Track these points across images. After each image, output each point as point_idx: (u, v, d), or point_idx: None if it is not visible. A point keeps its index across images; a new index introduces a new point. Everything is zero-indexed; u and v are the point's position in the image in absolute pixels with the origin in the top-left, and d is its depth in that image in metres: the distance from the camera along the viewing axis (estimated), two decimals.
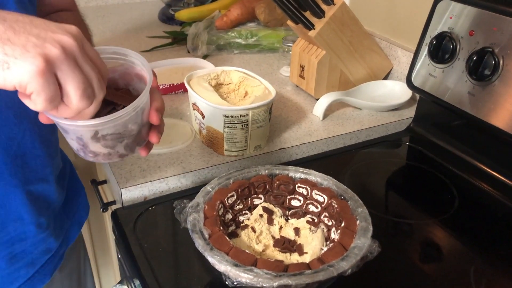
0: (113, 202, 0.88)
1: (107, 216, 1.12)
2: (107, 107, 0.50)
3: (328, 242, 0.61)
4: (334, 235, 0.60)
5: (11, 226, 0.63)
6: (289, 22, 0.99)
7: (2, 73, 0.38)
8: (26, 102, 0.41)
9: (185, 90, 0.99)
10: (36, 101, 0.40)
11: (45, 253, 0.70)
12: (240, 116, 0.76)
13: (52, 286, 0.75)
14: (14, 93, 0.41)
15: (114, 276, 1.28)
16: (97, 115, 0.47)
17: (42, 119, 0.48)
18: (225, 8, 1.42)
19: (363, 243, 0.55)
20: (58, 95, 0.41)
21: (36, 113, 0.47)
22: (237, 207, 0.65)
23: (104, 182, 0.94)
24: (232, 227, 0.64)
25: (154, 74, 0.52)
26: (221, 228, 0.58)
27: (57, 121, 0.47)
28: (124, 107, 0.48)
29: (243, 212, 0.66)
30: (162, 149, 0.81)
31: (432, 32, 0.85)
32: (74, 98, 0.41)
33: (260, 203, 0.67)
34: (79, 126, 0.47)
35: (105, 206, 0.87)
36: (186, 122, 0.90)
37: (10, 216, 0.62)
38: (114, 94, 0.51)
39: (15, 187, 0.61)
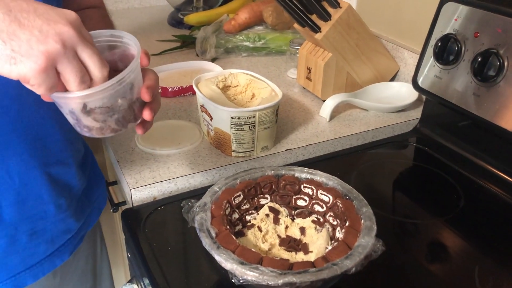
0: (124, 203, 0.90)
1: (117, 216, 1.14)
2: None
3: (333, 241, 0.62)
4: (339, 235, 0.61)
5: (32, 203, 0.67)
6: (296, 25, 1.00)
7: (9, 67, 0.43)
8: (28, 86, 0.46)
9: (194, 93, 1.00)
10: (37, 90, 0.45)
11: (65, 233, 0.74)
12: (247, 117, 0.77)
13: (68, 267, 0.79)
14: None
15: (124, 275, 1.30)
16: None
17: (45, 97, 0.53)
18: (233, 12, 1.43)
19: (367, 242, 0.56)
20: (56, 84, 0.46)
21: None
22: (244, 206, 0.66)
23: (115, 183, 0.96)
24: (239, 227, 0.65)
25: (146, 53, 0.55)
26: (228, 227, 0.59)
27: (50, 95, 0.50)
28: None
29: (250, 211, 0.67)
30: (171, 150, 0.83)
31: (438, 34, 0.85)
32: (73, 84, 0.47)
33: (267, 203, 0.68)
34: (66, 99, 0.50)
35: (115, 206, 0.89)
36: (194, 123, 0.92)
37: (30, 194, 0.66)
38: (113, 75, 0.53)
39: (35, 168, 0.65)
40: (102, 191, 0.87)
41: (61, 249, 0.74)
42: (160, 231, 0.69)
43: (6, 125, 0.61)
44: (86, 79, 0.47)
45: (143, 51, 0.54)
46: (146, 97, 0.54)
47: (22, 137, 0.63)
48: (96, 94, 0.49)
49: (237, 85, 0.89)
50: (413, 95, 1.00)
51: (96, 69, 0.47)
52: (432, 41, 0.86)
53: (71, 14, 0.46)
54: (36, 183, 0.66)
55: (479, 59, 0.76)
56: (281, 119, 0.95)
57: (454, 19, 0.82)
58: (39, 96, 0.57)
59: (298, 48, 1.11)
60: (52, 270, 0.74)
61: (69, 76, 0.46)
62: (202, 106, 0.83)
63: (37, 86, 0.44)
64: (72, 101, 0.50)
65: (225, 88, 0.88)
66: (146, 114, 0.56)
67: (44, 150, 0.66)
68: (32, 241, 0.69)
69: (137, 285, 0.74)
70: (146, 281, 0.65)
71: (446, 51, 0.83)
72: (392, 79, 1.10)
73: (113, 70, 0.56)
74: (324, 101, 0.98)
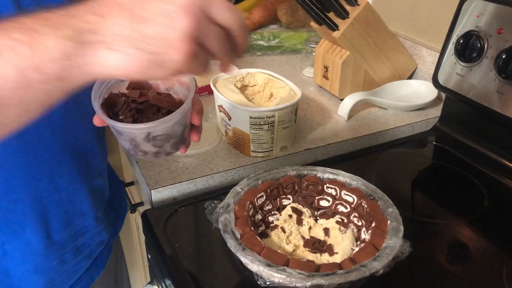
0: (141, 203, 0.90)
1: (133, 217, 1.14)
2: (152, 108, 0.54)
3: (358, 242, 0.61)
4: (365, 235, 0.60)
5: (77, 221, 0.67)
6: (313, 24, 0.99)
7: (159, 72, 0.39)
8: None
9: (210, 92, 1.00)
10: (196, 73, 0.42)
11: (99, 245, 0.74)
12: (267, 117, 0.77)
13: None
14: (78, 95, 0.42)
15: (140, 277, 1.30)
16: (143, 118, 0.53)
17: (96, 122, 0.52)
18: (247, 11, 1.42)
19: (394, 243, 0.55)
20: (207, 60, 0.42)
21: (94, 113, 0.50)
22: (266, 207, 0.66)
23: (132, 183, 0.95)
24: (262, 228, 0.64)
25: (195, 81, 0.55)
26: (252, 228, 0.59)
27: (112, 124, 0.51)
28: (167, 109, 0.53)
29: (272, 212, 0.66)
30: (189, 150, 0.82)
31: (459, 31, 0.84)
32: (219, 53, 0.42)
33: (289, 204, 0.67)
34: (133, 129, 0.51)
35: (133, 207, 0.89)
36: (212, 123, 0.91)
37: (76, 211, 0.66)
38: (158, 98, 0.54)
39: (81, 184, 0.65)
40: (122, 195, 0.87)
41: (96, 262, 0.74)
42: (182, 232, 0.69)
43: (56, 143, 0.60)
44: (228, 47, 0.42)
45: (197, 109, 0.56)
46: (197, 121, 0.55)
47: (69, 154, 0.62)
48: (163, 124, 0.51)
49: (254, 85, 0.88)
50: (432, 93, 0.98)
51: (235, 26, 0.41)
52: (453, 38, 0.85)
53: None
54: (80, 199, 0.66)
55: (504, 56, 0.74)
56: (298, 119, 0.94)
57: (476, 15, 0.81)
58: (82, 111, 0.58)
59: (314, 47, 1.10)
60: (90, 285, 0.73)
61: (215, 48, 0.40)
62: (220, 106, 0.83)
63: (193, 72, 0.41)
64: (139, 131, 0.51)
65: (242, 88, 0.87)
66: (195, 137, 0.57)
67: (87, 164, 0.66)
68: (76, 258, 0.69)
69: (158, 287, 0.74)
70: (168, 282, 0.65)
71: (468, 48, 0.81)
72: (410, 77, 1.09)
73: (157, 92, 0.56)
74: (341, 100, 0.97)
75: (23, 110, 0.38)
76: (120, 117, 0.54)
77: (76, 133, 0.62)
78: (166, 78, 0.42)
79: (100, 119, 0.51)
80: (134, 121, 0.54)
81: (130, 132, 0.52)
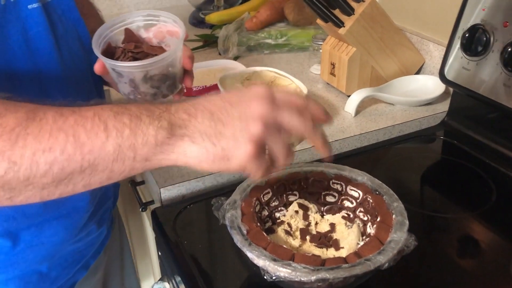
0: (152, 202, 0.91)
1: (145, 215, 1.15)
2: (147, 58, 0.60)
3: (364, 237, 0.61)
4: (370, 230, 0.61)
5: (107, 203, 0.75)
6: (319, 21, 1.00)
7: (225, 165, 0.46)
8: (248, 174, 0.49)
9: (218, 91, 1.01)
10: (255, 175, 0.48)
11: (100, 234, 0.79)
12: None
13: (101, 261, 0.83)
14: (78, 80, 0.53)
15: (153, 274, 1.31)
16: None
17: (97, 69, 0.60)
18: (254, 9, 1.43)
19: (399, 237, 0.55)
20: (269, 165, 0.49)
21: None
22: (273, 203, 0.66)
23: (142, 183, 0.97)
24: (269, 223, 0.65)
25: (190, 57, 0.63)
26: (258, 224, 0.60)
27: (114, 65, 0.57)
28: None
29: (279, 208, 0.67)
30: None
31: (465, 25, 0.84)
32: (282, 158, 0.49)
33: (295, 200, 0.68)
34: (133, 67, 0.57)
35: (144, 206, 0.90)
36: None
37: (108, 194, 0.74)
38: (151, 48, 0.62)
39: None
40: (116, 191, 0.88)
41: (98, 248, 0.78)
42: (190, 229, 0.70)
43: None
44: (291, 151, 0.50)
45: (188, 55, 0.63)
46: (189, 65, 0.63)
47: None
48: (159, 62, 0.57)
49: (261, 83, 0.89)
50: (439, 87, 0.98)
51: (296, 125, 0.48)
52: (459, 33, 0.85)
53: (260, 89, 0.48)
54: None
55: (509, 50, 0.74)
56: None
57: (482, 9, 0.81)
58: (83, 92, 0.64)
59: (320, 44, 1.11)
60: (93, 263, 0.78)
61: (278, 152, 0.48)
62: None
63: (254, 171, 0.47)
64: (138, 69, 0.57)
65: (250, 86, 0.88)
66: (188, 82, 0.64)
67: None
68: (99, 229, 0.76)
69: (168, 283, 0.75)
70: (178, 278, 0.66)
71: (474, 42, 0.81)
72: (418, 72, 1.09)
73: (150, 45, 0.63)
74: (349, 96, 0.97)
75: (108, 178, 0.44)
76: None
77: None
78: (231, 172, 0.48)
79: (100, 66, 0.60)
80: None
81: (130, 72, 0.58)
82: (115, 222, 0.88)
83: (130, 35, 0.64)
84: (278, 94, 0.48)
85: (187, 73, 0.65)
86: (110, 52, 0.62)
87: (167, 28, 0.64)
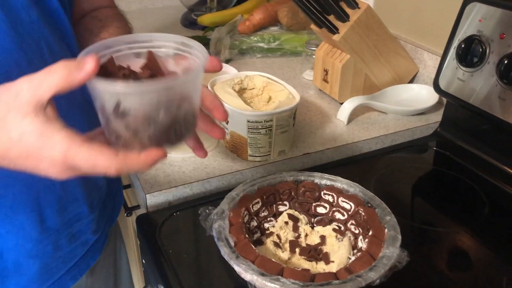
0: (137, 207, 0.89)
1: (131, 220, 1.13)
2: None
3: (355, 251, 0.60)
4: (361, 244, 0.59)
5: (70, 207, 0.67)
6: (313, 26, 0.98)
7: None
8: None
9: None
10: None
11: (95, 233, 0.74)
12: (264, 121, 0.76)
13: (96, 265, 0.79)
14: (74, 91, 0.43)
15: (138, 281, 1.29)
16: None
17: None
18: (247, 12, 1.41)
19: (391, 252, 0.54)
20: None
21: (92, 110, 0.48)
22: (262, 214, 0.65)
23: (129, 186, 0.94)
24: (257, 234, 0.63)
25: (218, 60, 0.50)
26: (247, 235, 0.58)
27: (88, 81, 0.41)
28: None
29: (268, 219, 0.65)
30: (186, 154, 0.81)
31: (461, 35, 0.83)
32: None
33: (285, 210, 0.66)
34: (99, 85, 0.41)
35: (129, 210, 0.88)
36: None
37: (69, 197, 0.67)
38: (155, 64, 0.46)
39: None
40: (119, 185, 0.86)
41: (92, 249, 0.74)
42: (176, 238, 0.68)
43: None
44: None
45: (213, 59, 0.48)
46: (222, 116, 0.52)
47: None
48: (135, 92, 0.40)
49: (253, 88, 0.87)
50: (433, 97, 0.97)
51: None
52: (455, 43, 0.84)
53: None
54: (72, 185, 0.66)
55: (506, 62, 0.73)
56: (297, 122, 0.93)
57: (478, 20, 0.80)
58: (70, 96, 0.58)
59: (314, 50, 1.09)
60: (87, 270, 0.74)
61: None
62: None
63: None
64: (107, 92, 0.41)
65: (241, 91, 0.86)
66: (217, 133, 0.53)
67: None
68: (71, 244, 0.70)
69: None
70: (161, 287, 0.64)
71: (470, 53, 0.80)
72: (411, 81, 1.08)
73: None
74: (341, 103, 0.96)
75: None
76: None
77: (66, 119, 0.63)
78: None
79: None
80: None
81: (99, 91, 0.41)
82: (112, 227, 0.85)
83: (153, 62, 0.46)
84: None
85: (199, 141, 0.52)
86: (108, 70, 0.44)
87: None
